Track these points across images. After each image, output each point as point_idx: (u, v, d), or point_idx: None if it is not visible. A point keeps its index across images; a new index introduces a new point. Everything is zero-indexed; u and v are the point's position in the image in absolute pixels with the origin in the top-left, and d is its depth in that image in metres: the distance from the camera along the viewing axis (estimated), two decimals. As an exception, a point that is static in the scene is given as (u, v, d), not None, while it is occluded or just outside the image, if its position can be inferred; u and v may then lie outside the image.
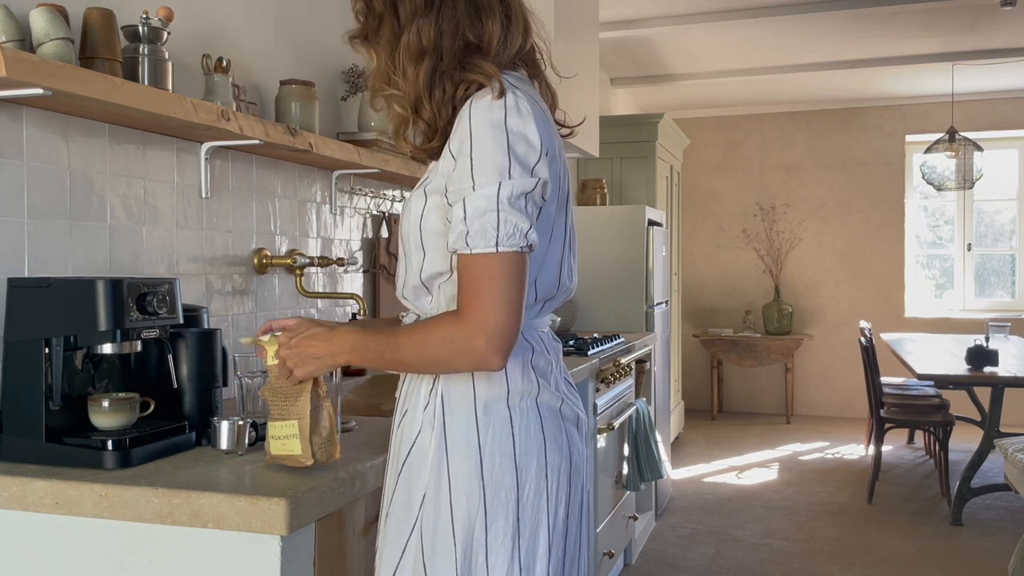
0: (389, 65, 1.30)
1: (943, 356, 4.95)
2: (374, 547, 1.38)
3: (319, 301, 2.59)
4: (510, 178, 1.19)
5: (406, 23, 1.28)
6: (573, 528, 1.32)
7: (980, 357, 4.43)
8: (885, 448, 5.54)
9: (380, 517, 1.35)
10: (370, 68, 1.36)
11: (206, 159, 2.07)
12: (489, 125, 1.20)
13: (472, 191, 1.19)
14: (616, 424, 3.23)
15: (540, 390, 1.30)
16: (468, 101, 1.24)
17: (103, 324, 1.40)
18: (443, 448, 1.25)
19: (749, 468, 5.54)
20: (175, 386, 1.54)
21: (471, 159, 1.20)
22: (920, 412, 4.94)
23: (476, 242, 1.18)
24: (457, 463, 1.24)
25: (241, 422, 1.47)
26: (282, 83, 2.30)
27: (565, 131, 1.43)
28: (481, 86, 1.25)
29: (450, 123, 1.27)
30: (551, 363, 1.34)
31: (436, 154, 1.31)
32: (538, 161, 1.22)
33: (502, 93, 1.22)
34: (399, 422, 1.35)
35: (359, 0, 1.33)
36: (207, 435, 1.52)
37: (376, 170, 2.57)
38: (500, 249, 1.17)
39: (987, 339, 4.95)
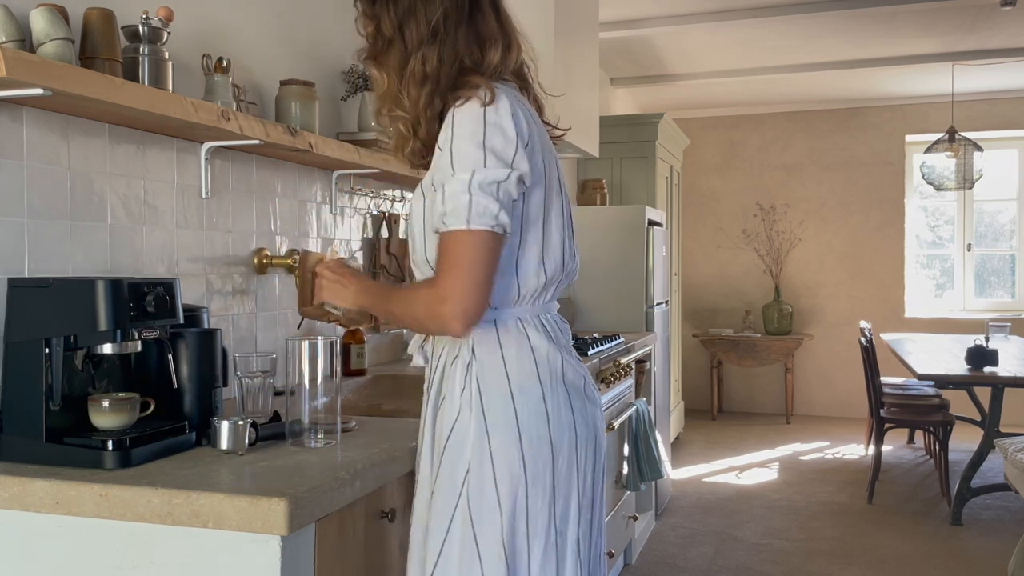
0: (398, 88, 1.44)
1: (943, 356, 4.95)
2: (407, 528, 1.52)
3: (319, 301, 2.58)
4: (485, 167, 1.32)
5: (412, 50, 1.42)
6: (598, 493, 1.50)
7: (980, 357, 4.43)
8: (885, 448, 5.54)
9: (417, 499, 1.49)
10: (379, 89, 1.49)
11: (206, 159, 2.07)
12: (470, 119, 1.34)
13: (451, 178, 1.33)
14: (616, 424, 3.23)
15: (564, 366, 1.45)
16: (455, 104, 1.37)
17: (103, 324, 1.40)
18: (483, 427, 1.39)
19: (749, 468, 5.54)
20: (175, 386, 1.54)
21: (451, 150, 1.34)
22: (920, 412, 4.94)
23: (451, 220, 1.33)
24: (498, 440, 1.38)
25: (241, 422, 1.47)
26: (282, 83, 2.30)
27: (557, 133, 1.57)
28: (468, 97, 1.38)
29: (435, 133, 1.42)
30: (563, 339, 1.51)
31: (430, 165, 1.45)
32: (515, 153, 1.35)
33: (493, 99, 1.35)
34: (437, 408, 1.46)
35: (371, 23, 1.46)
36: (207, 435, 1.52)
37: (376, 170, 2.57)
38: (471, 227, 1.31)
39: (987, 339, 4.95)
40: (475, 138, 1.33)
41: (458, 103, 1.36)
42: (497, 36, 1.44)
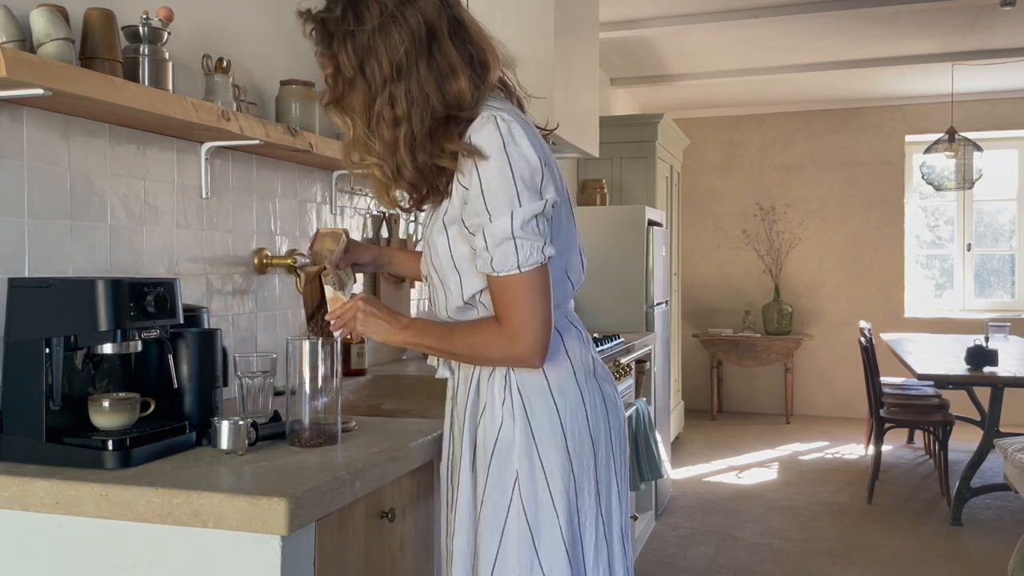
0: (366, 132, 1.39)
1: (943, 356, 4.95)
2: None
3: (319, 301, 2.58)
4: (520, 205, 1.33)
5: (377, 90, 1.36)
6: (626, 475, 1.56)
7: (980, 357, 4.43)
8: (885, 448, 5.54)
9: (460, 510, 1.49)
10: (345, 135, 1.43)
11: (206, 159, 2.07)
12: (492, 159, 1.33)
13: (489, 222, 1.34)
14: (616, 424, 3.22)
15: (594, 362, 1.51)
16: (467, 154, 1.34)
17: (103, 324, 1.40)
18: (529, 434, 1.42)
19: (749, 468, 5.54)
20: (175, 386, 1.54)
21: (483, 193, 1.33)
22: (920, 412, 4.94)
23: (501, 267, 1.34)
24: (545, 444, 1.42)
25: (241, 422, 1.47)
26: (282, 83, 2.30)
27: (544, 134, 1.55)
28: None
29: (441, 181, 1.40)
30: (586, 334, 1.56)
31: (438, 202, 1.44)
32: (542, 179, 1.35)
33: (505, 129, 1.33)
34: (477, 420, 1.48)
35: (330, 64, 1.40)
36: (207, 435, 1.52)
37: (376, 170, 2.56)
38: (523, 270, 1.34)
39: (987, 339, 4.95)
40: (503, 174, 1.32)
41: (474, 142, 1.33)
42: (458, 67, 1.37)
